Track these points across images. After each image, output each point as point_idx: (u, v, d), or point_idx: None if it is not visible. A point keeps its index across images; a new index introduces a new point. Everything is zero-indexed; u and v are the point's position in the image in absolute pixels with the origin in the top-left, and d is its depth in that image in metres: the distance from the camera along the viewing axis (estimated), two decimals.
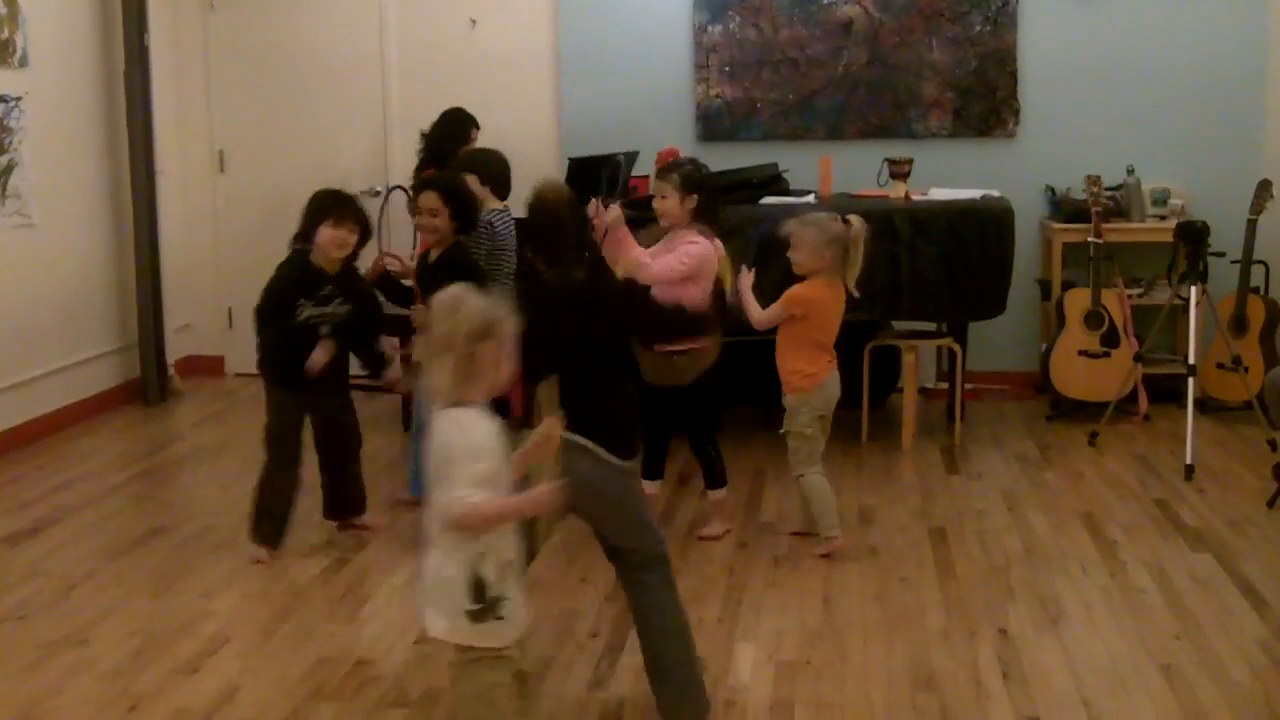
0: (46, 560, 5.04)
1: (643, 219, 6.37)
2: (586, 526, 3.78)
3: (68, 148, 7.10)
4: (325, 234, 4.88)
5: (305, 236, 4.97)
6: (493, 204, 5.60)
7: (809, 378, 4.93)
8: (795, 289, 4.94)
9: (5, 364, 6.55)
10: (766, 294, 5.00)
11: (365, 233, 5.03)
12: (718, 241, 5.04)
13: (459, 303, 2.85)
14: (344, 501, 5.28)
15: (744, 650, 4.13)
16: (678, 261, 4.89)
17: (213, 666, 4.06)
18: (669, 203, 5.02)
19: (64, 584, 4.77)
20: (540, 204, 3.65)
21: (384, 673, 4.00)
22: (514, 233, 5.57)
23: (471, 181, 5.51)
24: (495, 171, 5.69)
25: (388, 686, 3.91)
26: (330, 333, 4.92)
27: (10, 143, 6.52)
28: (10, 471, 6.18)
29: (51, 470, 6.25)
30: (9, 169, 6.51)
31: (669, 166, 5.18)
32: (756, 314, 4.97)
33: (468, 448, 2.78)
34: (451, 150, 6.79)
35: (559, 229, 3.60)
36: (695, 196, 5.00)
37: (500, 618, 2.88)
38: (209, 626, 4.38)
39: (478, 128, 6.86)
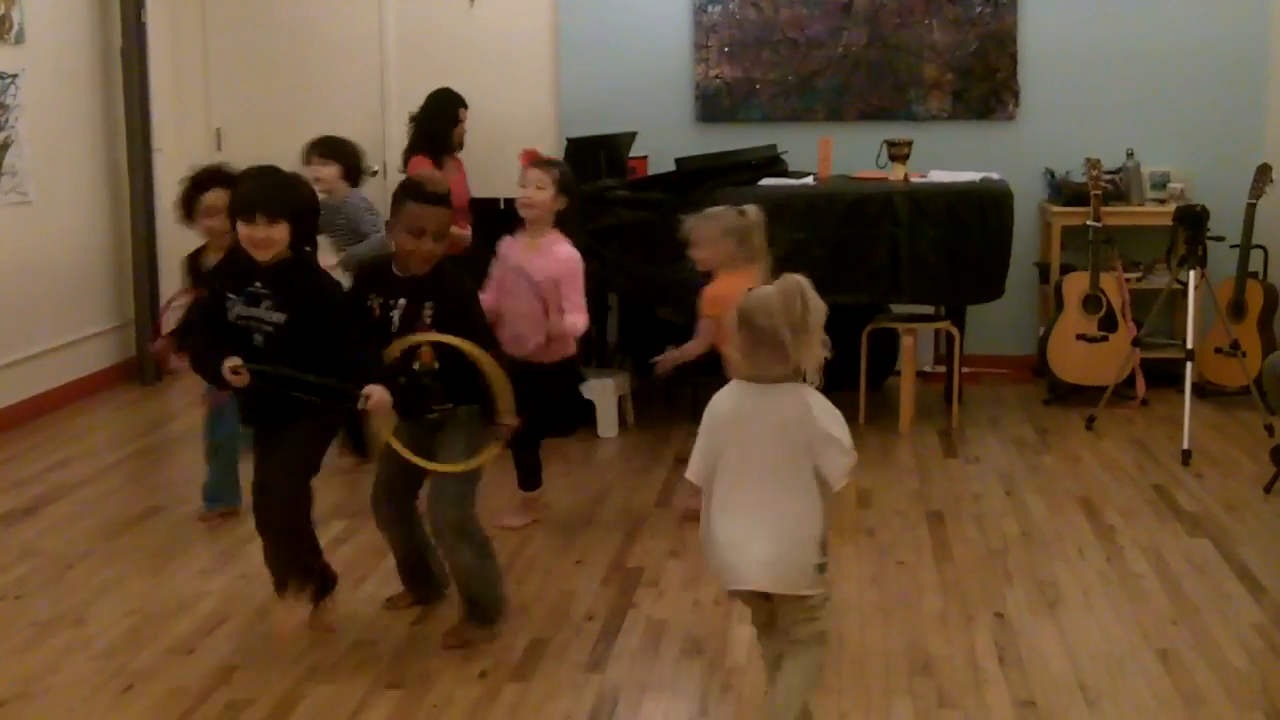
0: (42, 539, 5.03)
1: (641, 200, 6.38)
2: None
3: (64, 125, 7.07)
4: (242, 231, 3.73)
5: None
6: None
7: None
8: (707, 292, 4.93)
9: (1, 342, 6.54)
10: None
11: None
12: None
13: (805, 288, 3.22)
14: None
15: (741, 633, 4.11)
16: (579, 295, 4.92)
17: (209, 646, 4.05)
18: (544, 194, 4.94)
19: (60, 563, 4.76)
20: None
21: (380, 654, 4.00)
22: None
23: (334, 171, 5.82)
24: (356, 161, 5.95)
25: (383, 668, 3.90)
26: (261, 346, 3.76)
27: (7, 120, 6.49)
28: (6, 450, 6.17)
29: (47, 449, 6.24)
30: (5, 146, 6.49)
31: (549, 161, 5.11)
32: (696, 349, 4.98)
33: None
34: (440, 131, 6.77)
35: None
36: (565, 200, 4.96)
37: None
38: (205, 606, 4.37)
39: (465, 107, 6.84)
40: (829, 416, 3.28)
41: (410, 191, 3.96)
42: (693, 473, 3.32)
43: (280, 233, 3.69)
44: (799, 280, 3.25)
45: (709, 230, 4.93)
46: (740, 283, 4.83)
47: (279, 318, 3.73)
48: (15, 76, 6.55)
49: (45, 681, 3.83)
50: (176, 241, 7.82)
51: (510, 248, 4.98)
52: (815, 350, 3.21)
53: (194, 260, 5.02)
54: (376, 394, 3.68)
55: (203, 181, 4.89)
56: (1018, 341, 7.40)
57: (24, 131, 6.62)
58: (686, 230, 4.96)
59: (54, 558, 4.82)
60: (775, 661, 3.32)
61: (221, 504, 5.16)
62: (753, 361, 3.23)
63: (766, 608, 3.32)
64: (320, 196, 4.56)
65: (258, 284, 3.75)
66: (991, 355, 7.36)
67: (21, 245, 6.67)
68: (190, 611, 4.32)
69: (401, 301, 3.93)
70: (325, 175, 5.80)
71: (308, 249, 3.87)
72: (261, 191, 3.73)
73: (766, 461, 3.21)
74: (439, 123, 6.79)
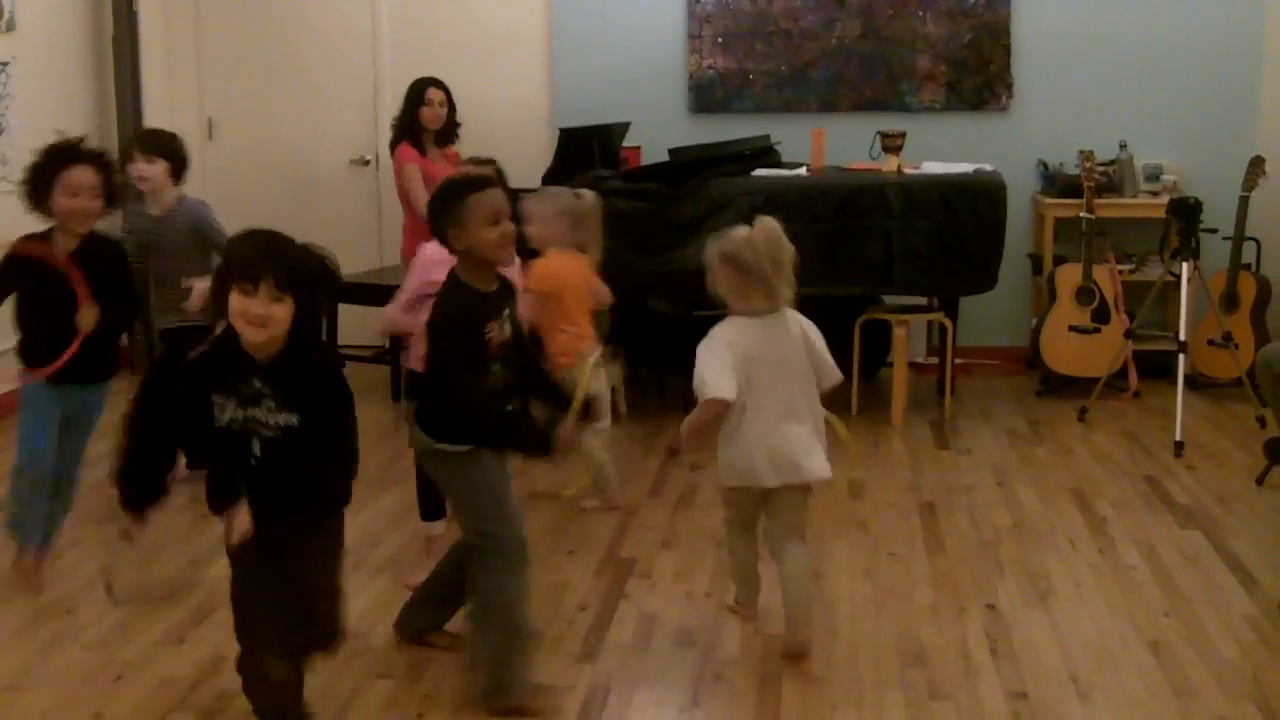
0: None
1: (634, 190, 6.36)
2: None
3: (55, 113, 7.02)
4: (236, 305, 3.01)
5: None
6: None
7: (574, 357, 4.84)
8: (535, 263, 4.91)
9: None
10: None
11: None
12: None
13: (779, 229, 3.78)
14: None
15: (732, 623, 4.12)
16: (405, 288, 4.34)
17: (199, 636, 4.04)
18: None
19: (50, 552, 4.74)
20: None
21: (371, 645, 3.99)
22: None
23: (161, 169, 5.19)
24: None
25: (374, 658, 3.89)
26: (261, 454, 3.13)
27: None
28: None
29: None
30: None
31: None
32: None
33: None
34: (408, 115, 6.70)
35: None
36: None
37: None
38: (195, 596, 4.36)
39: (436, 87, 6.71)
40: (813, 329, 3.93)
41: (462, 187, 3.43)
42: (727, 390, 3.68)
43: (283, 311, 2.97)
44: (773, 221, 3.76)
45: (545, 209, 4.96)
46: (568, 264, 4.90)
47: (288, 419, 3.06)
48: (6, 65, 6.52)
49: (36, 671, 3.82)
50: None
51: None
52: (789, 286, 3.79)
53: (26, 249, 4.26)
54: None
55: (63, 155, 4.27)
56: (1010, 333, 7.40)
57: (14, 120, 6.59)
58: (524, 207, 4.82)
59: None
60: (777, 549, 3.88)
61: None
62: (745, 298, 3.77)
63: (761, 506, 3.91)
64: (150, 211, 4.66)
65: (255, 381, 3.05)
66: (984, 347, 7.37)
67: (12, 233, 6.62)
68: (180, 602, 4.31)
69: (506, 311, 3.51)
70: (152, 174, 5.18)
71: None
72: (270, 255, 2.99)
73: (795, 375, 3.82)
74: (407, 107, 6.73)
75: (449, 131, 6.85)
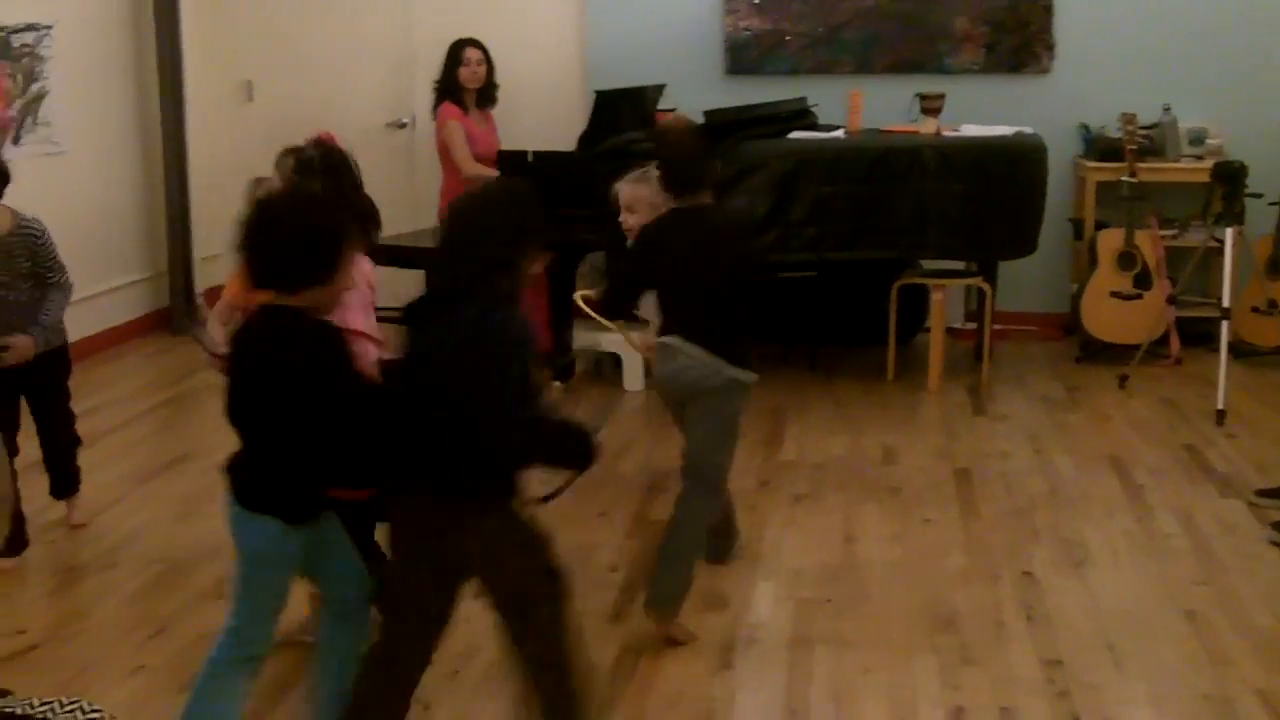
0: None
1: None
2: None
3: (97, 76, 7.08)
4: None
5: None
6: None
7: None
8: None
9: None
10: None
11: None
12: None
13: None
14: None
15: (764, 588, 4.13)
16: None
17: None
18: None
19: (91, 508, 4.79)
20: (661, 135, 4.23)
21: None
22: None
23: None
24: None
25: None
26: None
27: (41, 71, 6.50)
28: None
29: (79, 397, 6.19)
30: (40, 97, 6.50)
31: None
32: None
33: None
34: (447, 75, 6.79)
35: (689, 159, 3.84)
36: None
37: None
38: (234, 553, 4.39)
39: (474, 47, 6.78)
40: None
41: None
42: None
43: None
44: None
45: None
46: None
47: None
48: (49, 28, 6.55)
49: (77, 624, 3.87)
50: (208, 193, 7.84)
51: None
52: None
53: None
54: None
55: None
56: (1050, 298, 7.33)
57: (57, 83, 6.62)
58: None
59: (86, 503, 4.85)
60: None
61: None
62: None
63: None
64: None
65: None
66: (1023, 312, 7.31)
67: (54, 196, 6.67)
68: (220, 557, 4.33)
69: None
70: None
71: None
72: None
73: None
74: (446, 67, 6.82)
75: (488, 92, 6.88)
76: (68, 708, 1.17)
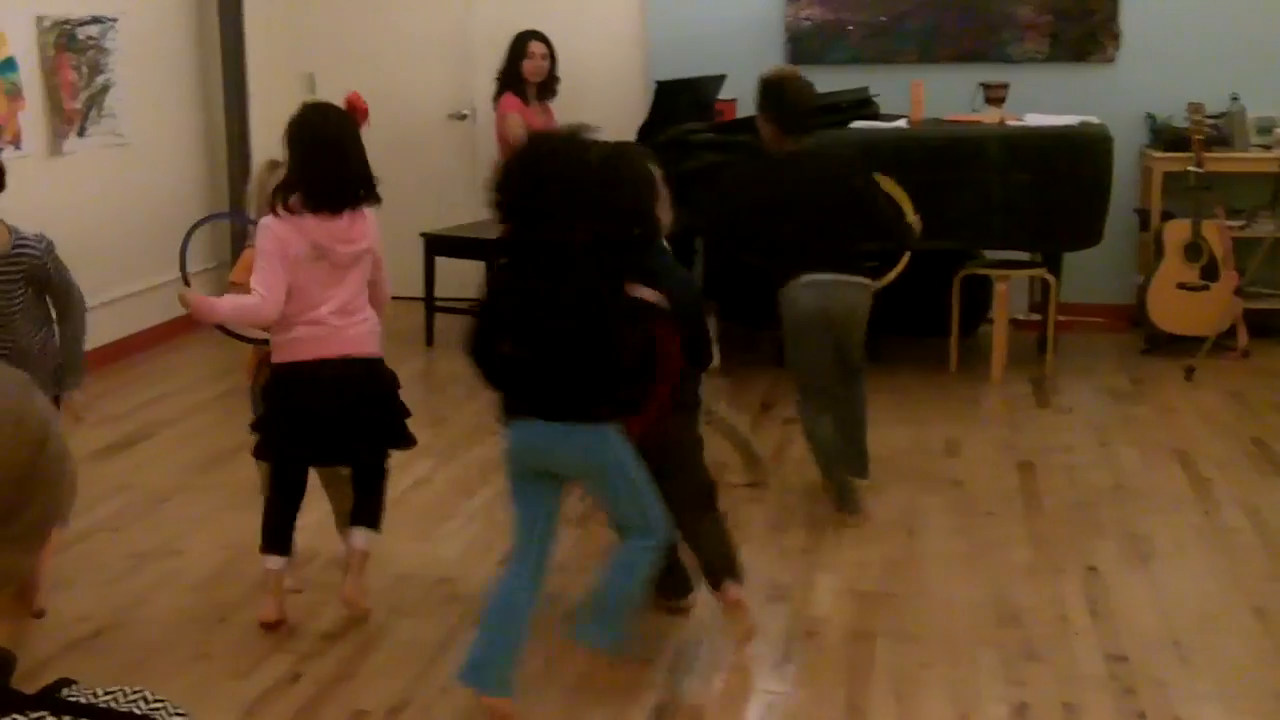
0: (138, 473, 5.12)
1: (726, 143, 6.31)
2: None
3: (161, 69, 7.14)
4: None
5: None
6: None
7: None
8: None
9: (99, 281, 6.62)
10: None
11: None
12: None
13: None
14: None
15: (825, 580, 4.10)
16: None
17: (300, 580, 4.10)
18: None
19: (155, 497, 4.85)
20: (781, 81, 4.54)
21: (462, 592, 4.03)
22: None
23: None
24: None
25: (469, 605, 3.92)
26: None
27: (106, 63, 6.56)
28: (102, 386, 6.26)
29: (142, 386, 6.35)
30: (105, 89, 6.56)
31: None
32: None
33: None
34: (511, 67, 6.78)
35: (807, 103, 4.55)
36: None
37: None
38: (296, 540, 4.41)
39: (538, 39, 6.77)
40: None
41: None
42: None
43: None
44: None
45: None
46: None
47: None
48: (115, 21, 6.61)
49: (140, 611, 3.91)
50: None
51: None
52: None
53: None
54: None
55: None
56: (1116, 290, 7.23)
57: (122, 75, 6.68)
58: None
59: (149, 492, 4.90)
60: None
61: None
62: None
63: None
64: None
65: None
66: (1088, 304, 7.21)
67: (119, 186, 6.77)
68: None
69: None
70: None
71: None
72: None
73: None
74: (510, 59, 6.81)
75: (549, 85, 6.87)
76: (130, 697, 1.16)
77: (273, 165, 4.06)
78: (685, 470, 3.65)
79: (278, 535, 3.82)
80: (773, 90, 4.57)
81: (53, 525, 1.19)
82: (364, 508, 3.88)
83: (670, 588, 3.82)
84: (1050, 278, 6.38)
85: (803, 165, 4.52)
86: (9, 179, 3.73)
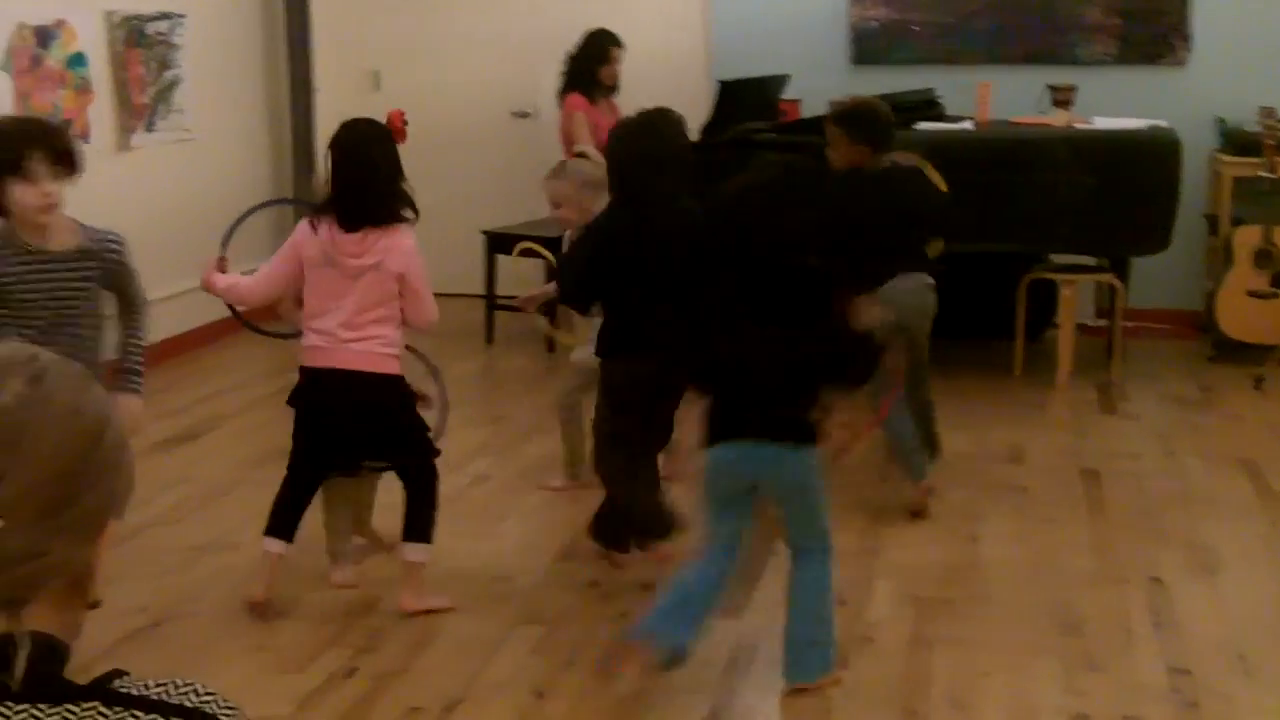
0: (196, 467, 5.16)
1: (789, 143, 6.27)
2: None
3: (227, 64, 7.20)
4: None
5: None
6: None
7: None
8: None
9: (163, 275, 6.67)
10: None
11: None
12: None
13: None
14: None
15: (883, 585, 4.06)
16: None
17: (357, 575, 4.11)
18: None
19: (213, 490, 4.88)
20: (868, 107, 4.78)
21: (520, 589, 4.02)
22: None
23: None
24: None
25: (524, 603, 3.92)
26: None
27: (174, 59, 6.62)
28: (164, 379, 6.30)
29: (203, 380, 6.40)
30: (173, 84, 6.62)
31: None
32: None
33: None
34: (590, 69, 6.76)
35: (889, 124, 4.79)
36: None
37: None
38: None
39: (619, 46, 6.79)
40: None
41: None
42: None
43: None
44: None
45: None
46: None
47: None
48: (183, 17, 6.67)
49: (196, 604, 3.94)
50: None
51: None
52: None
53: None
54: None
55: None
56: (1184, 296, 7.11)
57: (190, 70, 6.75)
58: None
59: (207, 485, 4.94)
60: None
61: None
62: None
63: None
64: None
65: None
66: (1156, 309, 7.09)
67: (185, 181, 6.82)
68: None
69: None
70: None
71: None
72: None
73: None
74: (589, 60, 6.79)
75: (616, 85, 6.89)
76: (182, 690, 1.16)
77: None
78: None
79: (283, 522, 3.90)
80: (866, 118, 4.79)
81: (108, 516, 1.19)
82: (411, 521, 3.89)
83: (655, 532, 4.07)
84: (1117, 283, 6.29)
85: (890, 178, 4.79)
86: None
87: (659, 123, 4.00)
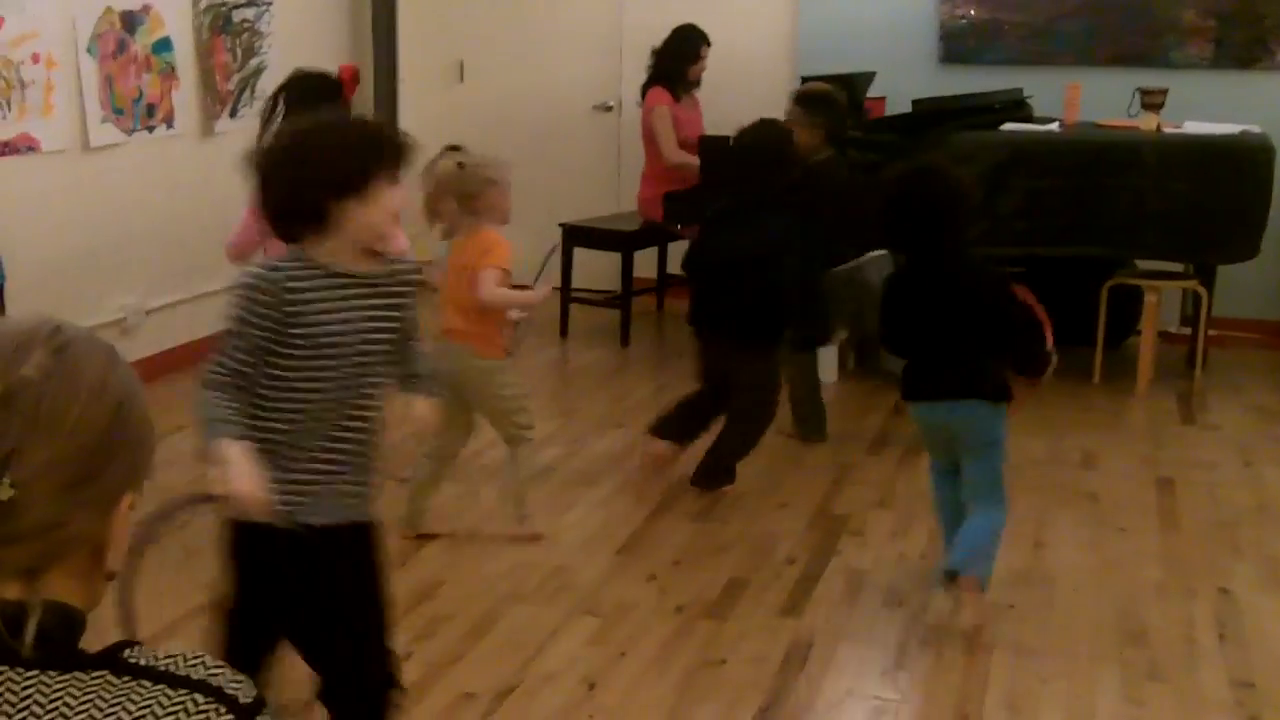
0: None
1: (872, 141, 6.22)
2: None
3: (313, 52, 7.25)
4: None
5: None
6: None
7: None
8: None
9: (245, 262, 6.80)
10: None
11: None
12: None
13: None
14: None
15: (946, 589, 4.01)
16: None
17: (420, 560, 4.15)
18: None
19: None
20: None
21: (580, 580, 4.03)
22: None
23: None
24: None
25: (583, 594, 3.93)
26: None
27: (260, 46, 6.71)
28: None
29: None
30: (259, 71, 6.71)
31: None
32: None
33: None
34: (679, 66, 6.76)
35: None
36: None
37: None
38: (422, 522, 4.47)
39: (708, 44, 6.79)
40: None
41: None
42: None
43: None
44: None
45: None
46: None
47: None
48: (269, 4, 6.76)
49: None
50: (416, 171, 8.00)
51: None
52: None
53: None
54: None
55: None
56: (1273, 305, 6.95)
57: (275, 57, 6.83)
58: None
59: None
60: None
61: None
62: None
63: None
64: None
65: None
66: (1242, 319, 6.94)
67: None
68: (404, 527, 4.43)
69: None
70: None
71: None
72: None
73: None
74: (678, 58, 6.80)
75: (698, 79, 6.90)
76: (191, 662, 1.17)
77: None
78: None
79: None
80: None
81: (126, 491, 1.20)
82: None
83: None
84: (1202, 290, 6.16)
85: None
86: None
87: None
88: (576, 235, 6.95)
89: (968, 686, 3.42)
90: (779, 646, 3.62)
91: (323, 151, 2.53)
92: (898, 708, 3.35)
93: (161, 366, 6.01)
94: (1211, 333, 6.43)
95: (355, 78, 3.95)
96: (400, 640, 3.59)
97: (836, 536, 4.40)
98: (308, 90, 4.33)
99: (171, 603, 3.75)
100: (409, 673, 3.44)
